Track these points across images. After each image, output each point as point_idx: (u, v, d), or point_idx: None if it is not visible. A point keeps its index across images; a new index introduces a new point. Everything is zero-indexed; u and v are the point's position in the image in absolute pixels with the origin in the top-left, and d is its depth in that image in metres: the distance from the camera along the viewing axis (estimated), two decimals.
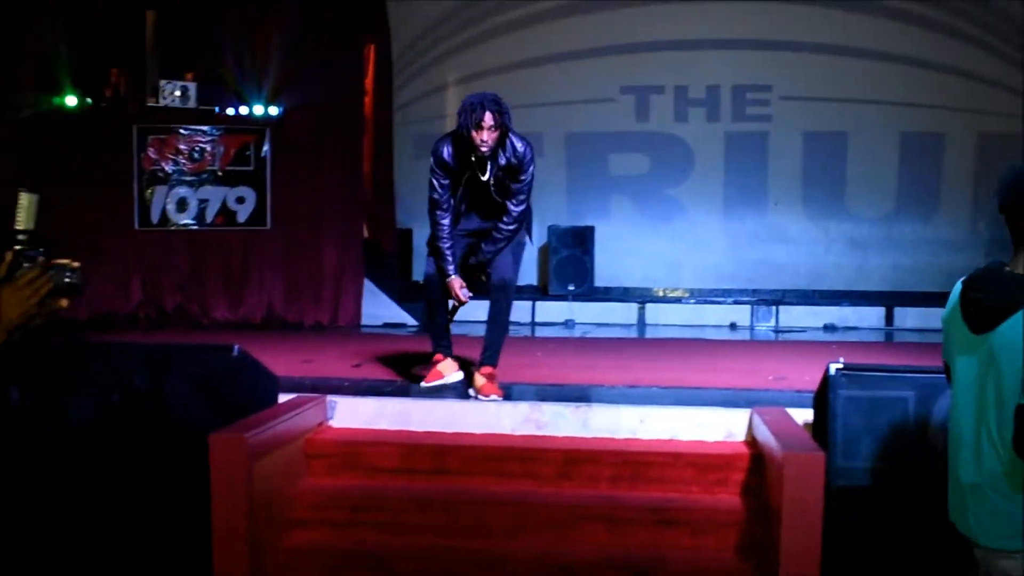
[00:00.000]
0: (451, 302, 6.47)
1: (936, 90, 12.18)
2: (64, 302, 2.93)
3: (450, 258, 6.32)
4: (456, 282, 6.33)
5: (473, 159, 6.08)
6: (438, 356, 6.58)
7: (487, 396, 6.02)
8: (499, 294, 6.31)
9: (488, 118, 5.88)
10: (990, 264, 3.16)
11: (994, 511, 3.09)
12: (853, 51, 12.21)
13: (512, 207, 6.24)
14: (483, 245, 6.37)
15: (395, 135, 12.02)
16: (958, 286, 3.26)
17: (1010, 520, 3.05)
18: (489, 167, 6.12)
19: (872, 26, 12.17)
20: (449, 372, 6.56)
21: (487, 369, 6.25)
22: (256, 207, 10.66)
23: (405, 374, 7.09)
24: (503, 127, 5.97)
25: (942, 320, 3.45)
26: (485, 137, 5.91)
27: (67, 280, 2.96)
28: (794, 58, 12.35)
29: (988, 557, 3.12)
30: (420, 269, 12.43)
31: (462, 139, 6.04)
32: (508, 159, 6.11)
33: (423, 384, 6.44)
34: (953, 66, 12.08)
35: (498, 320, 6.38)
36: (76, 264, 3.01)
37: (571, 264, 11.63)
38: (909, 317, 11.39)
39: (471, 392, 6.16)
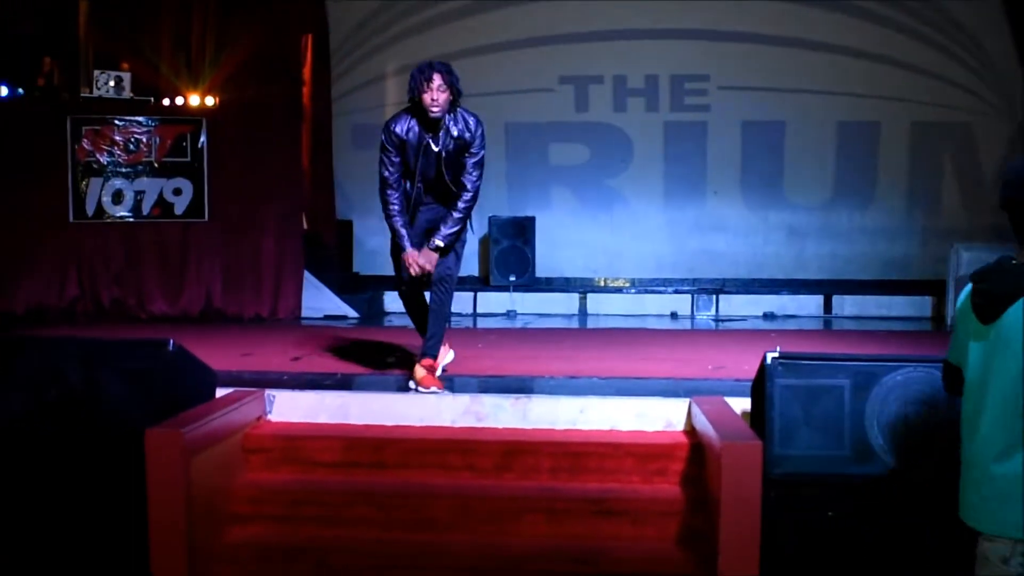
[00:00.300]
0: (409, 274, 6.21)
1: (872, 80, 12.33)
2: None
3: (404, 233, 6.21)
4: (411, 255, 6.16)
5: (424, 129, 6.06)
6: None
7: (427, 388, 5.98)
8: (440, 286, 6.25)
9: (437, 78, 5.90)
10: (1000, 258, 3.25)
11: (991, 495, 3.15)
12: (790, 41, 12.33)
13: (467, 182, 6.19)
14: (439, 227, 6.25)
15: (334, 126, 11.95)
16: (968, 284, 3.35)
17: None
18: (441, 137, 6.08)
19: (809, 16, 12.29)
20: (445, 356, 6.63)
21: (427, 361, 6.21)
22: (193, 199, 10.55)
23: (345, 367, 7.05)
24: (453, 90, 5.98)
25: (954, 318, 3.52)
26: (435, 96, 5.91)
27: None
28: (732, 48, 12.44)
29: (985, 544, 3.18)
30: (360, 260, 12.53)
31: (414, 110, 6.05)
32: (460, 132, 6.10)
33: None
34: (889, 56, 12.24)
35: (438, 312, 6.32)
36: None
37: (512, 255, 11.65)
38: (847, 304, 11.57)
39: (411, 384, 6.12)
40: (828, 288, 11.84)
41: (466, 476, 5.24)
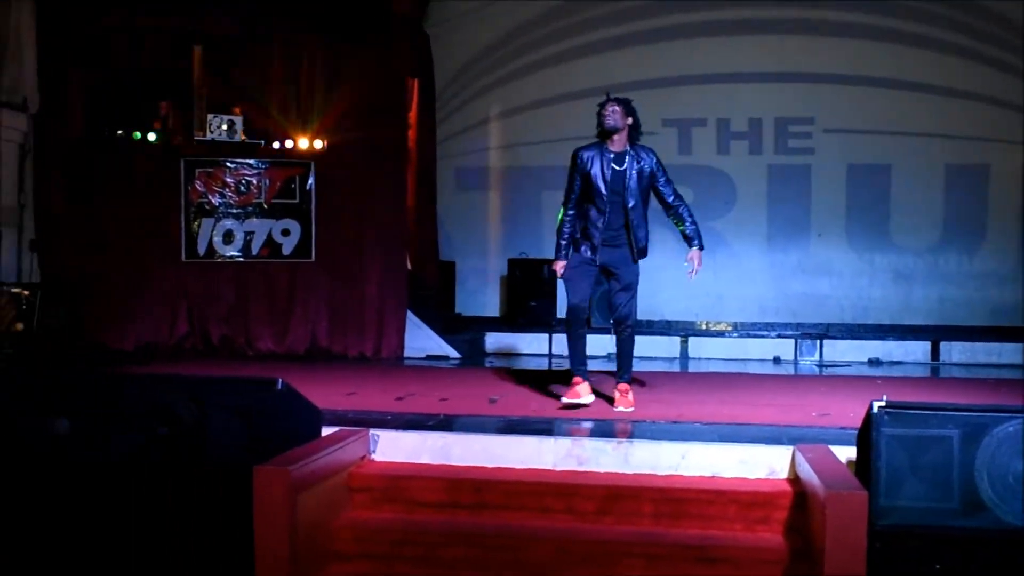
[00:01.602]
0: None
1: (980, 122, 12.15)
2: (19, 325, 3.11)
3: (564, 247, 7.01)
4: (559, 264, 7.00)
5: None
6: (577, 379, 6.98)
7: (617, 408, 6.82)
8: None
9: (609, 105, 6.73)
10: None
11: None
12: (895, 83, 12.23)
13: (672, 201, 7.27)
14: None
15: (438, 168, 12.10)
16: None
17: None
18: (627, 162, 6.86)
19: (914, 58, 12.18)
20: (586, 394, 6.96)
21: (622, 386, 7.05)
22: (301, 239, 10.76)
23: (447, 407, 7.11)
24: (630, 116, 6.79)
25: None
26: (608, 111, 6.72)
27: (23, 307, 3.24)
28: (836, 91, 12.38)
29: None
30: (462, 301, 12.65)
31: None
32: (640, 165, 6.91)
33: (564, 399, 6.94)
34: (996, 97, 12.07)
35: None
36: (26, 292, 3.25)
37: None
38: (955, 351, 11.29)
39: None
40: (935, 334, 11.60)
41: (566, 519, 5.25)
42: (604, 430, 6.22)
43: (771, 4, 12.36)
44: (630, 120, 6.82)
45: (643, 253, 7.20)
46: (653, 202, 7.17)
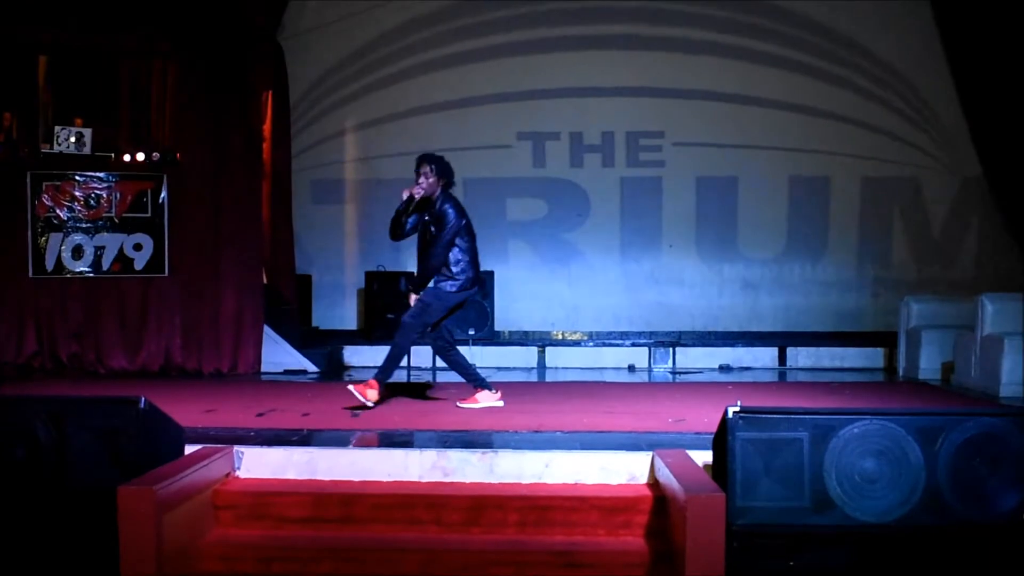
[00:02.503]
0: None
1: (822, 136, 12.64)
2: None
3: None
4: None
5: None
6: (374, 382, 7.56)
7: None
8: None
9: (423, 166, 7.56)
10: None
11: None
12: (742, 98, 12.63)
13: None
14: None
15: (293, 181, 12.02)
16: None
17: None
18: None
19: (759, 74, 12.60)
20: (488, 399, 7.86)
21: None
22: (154, 254, 10.56)
23: (309, 422, 7.09)
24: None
25: None
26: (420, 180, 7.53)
27: None
28: (685, 105, 12.72)
29: None
30: (320, 315, 12.58)
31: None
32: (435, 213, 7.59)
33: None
34: (838, 113, 12.58)
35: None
36: None
37: (471, 309, 11.70)
38: (801, 356, 11.73)
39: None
40: (782, 340, 12.03)
41: (434, 530, 5.31)
42: (468, 441, 6.29)
43: (623, 22, 12.62)
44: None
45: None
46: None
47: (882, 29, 12.59)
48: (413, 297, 7.75)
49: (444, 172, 7.61)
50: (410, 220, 7.66)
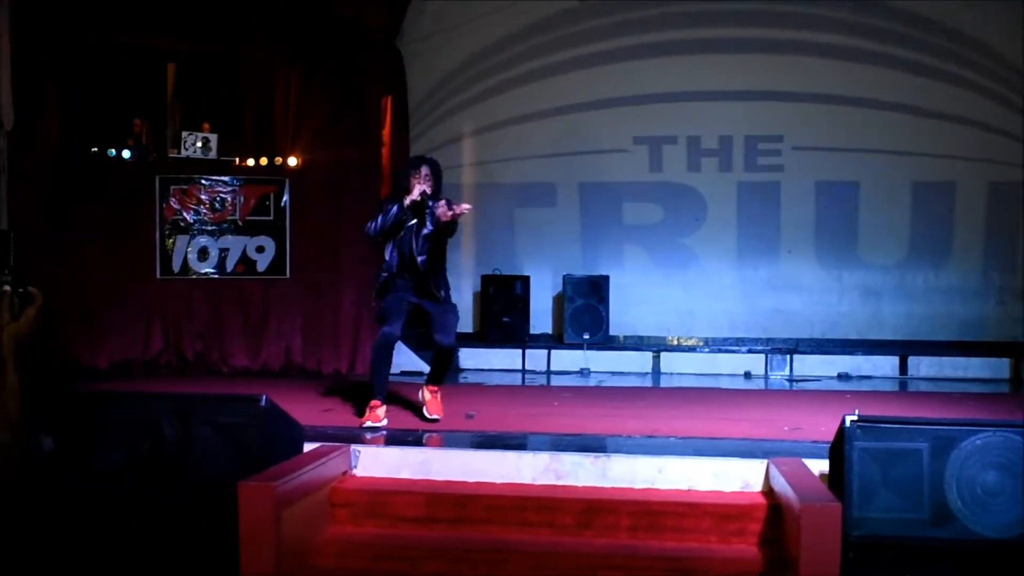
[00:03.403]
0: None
1: (946, 140, 12.31)
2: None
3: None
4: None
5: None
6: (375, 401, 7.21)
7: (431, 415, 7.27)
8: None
9: (424, 168, 7.23)
10: None
11: None
12: (863, 102, 12.37)
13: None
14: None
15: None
16: None
17: None
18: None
19: (881, 77, 12.33)
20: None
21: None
22: (275, 256, 10.81)
23: (425, 424, 7.18)
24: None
25: None
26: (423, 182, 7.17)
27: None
28: (805, 109, 12.51)
29: None
30: None
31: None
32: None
33: (368, 423, 7.08)
34: (963, 116, 12.23)
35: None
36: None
37: (586, 313, 11.76)
38: (923, 366, 11.46)
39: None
40: (903, 349, 11.75)
41: (546, 533, 5.35)
42: (581, 445, 6.31)
43: (740, 24, 12.47)
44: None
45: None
46: None
47: (1010, 30, 12.21)
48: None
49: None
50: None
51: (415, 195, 7.11)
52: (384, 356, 7.27)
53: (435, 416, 7.28)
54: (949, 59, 12.29)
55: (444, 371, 7.52)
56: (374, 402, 7.13)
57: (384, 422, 7.11)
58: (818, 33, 12.46)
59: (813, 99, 12.50)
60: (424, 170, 7.20)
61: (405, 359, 10.94)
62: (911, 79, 12.32)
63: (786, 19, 12.45)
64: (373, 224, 7.18)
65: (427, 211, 7.12)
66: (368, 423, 7.01)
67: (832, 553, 4.45)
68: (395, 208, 7.13)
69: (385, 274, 7.28)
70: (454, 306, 7.47)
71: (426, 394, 7.45)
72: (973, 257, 12.37)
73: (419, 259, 7.17)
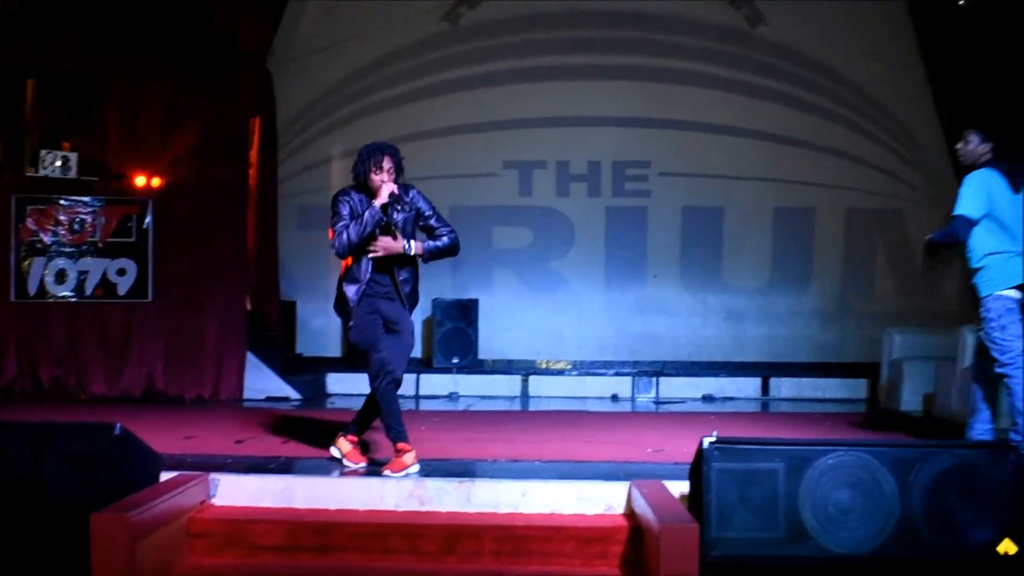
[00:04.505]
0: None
1: (807, 167, 12.69)
2: None
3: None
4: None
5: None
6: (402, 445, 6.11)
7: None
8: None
9: (387, 161, 6.23)
10: None
11: None
12: (728, 129, 12.67)
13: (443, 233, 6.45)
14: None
15: (280, 207, 12.02)
16: None
17: None
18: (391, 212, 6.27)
19: (746, 105, 12.66)
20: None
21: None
22: (137, 279, 10.55)
23: (288, 450, 7.08)
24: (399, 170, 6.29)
25: None
26: (386, 178, 6.20)
27: None
28: (672, 135, 12.77)
29: None
30: (304, 342, 12.55)
31: (362, 188, 6.30)
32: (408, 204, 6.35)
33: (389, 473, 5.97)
34: (823, 144, 12.61)
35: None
36: None
37: (455, 337, 11.76)
38: (784, 386, 11.75)
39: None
40: (766, 370, 12.03)
41: (409, 560, 5.30)
42: (446, 470, 6.28)
43: (609, 52, 12.66)
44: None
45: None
46: None
47: (872, 66, 12.66)
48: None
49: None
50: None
51: (383, 197, 6.13)
52: (393, 392, 6.19)
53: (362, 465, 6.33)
54: (813, 90, 12.70)
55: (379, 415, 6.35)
56: (402, 445, 6.06)
57: (416, 468, 6.03)
58: (685, 62, 12.73)
59: (680, 126, 12.76)
60: (387, 163, 6.21)
61: (271, 385, 10.81)
62: (774, 108, 12.67)
63: (653, 47, 12.70)
64: (341, 242, 6.11)
65: (393, 226, 6.22)
66: (396, 472, 5.94)
67: (691, 573, 4.51)
68: (367, 217, 6.09)
69: (358, 285, 6.21)
70: (412, 325, 6.50)
71: (344, 444, 6.48)
72: (832, 281, 12.76)
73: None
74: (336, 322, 12.56)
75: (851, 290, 12.73)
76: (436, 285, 12.12)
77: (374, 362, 6.15)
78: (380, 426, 6.36)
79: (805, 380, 11.80)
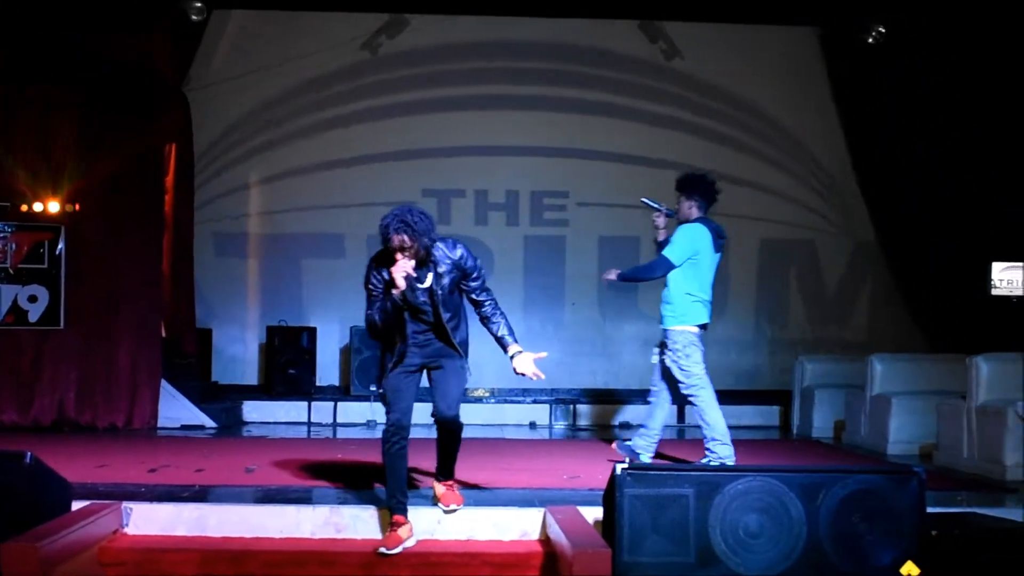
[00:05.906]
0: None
1: (722, 198, 12.85)
2: None
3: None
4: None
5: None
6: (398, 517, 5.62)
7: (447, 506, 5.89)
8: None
9: (395, 239, 5.54)
10: None
11: None
12: (645, 160, 12.86)
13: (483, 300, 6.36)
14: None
15: (196, 233, 11.93)
16: None
17: None
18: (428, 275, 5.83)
19: (663, 137, 12.88)
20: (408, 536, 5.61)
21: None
22: (49, 306, 10.40)
23: (202, 478, 7.02)
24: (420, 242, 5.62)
25: None
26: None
27: None
28: (590, 166, 12.93)
29: None
30: (220, 369, 12.45)
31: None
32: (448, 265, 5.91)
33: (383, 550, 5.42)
34: (737, 176, 12.82)
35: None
36: None
37: (373, 364, 11.68)
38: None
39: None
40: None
41: None
42: (362, 497, 6.29)
43: (526, 83, 12.80)
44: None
45: None
46: None
47: (785, 100, 12.99)
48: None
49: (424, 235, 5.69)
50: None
51: (399, 282, 5.55)
52: (401, 457, 5.85)
53: (453, 506, 5.90)
54: (728, 123, 12.97)
55: (453, 456, 6.19)
56: (397, 517, 5.58)
57: (413, 541, 5.58)
58: (603, 93, 12.92)
59: (598, 156, 12.93)
60: (396, 241, 5.53)
61: (186, 413, 10.70)
62: (691, 140, 12.90)
63: (572, 79, 12.86)
64: (374, 325, 5.79)
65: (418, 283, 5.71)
66: (389, 549, 5.40)
67: None
68: (387, 303, 5.67)
69: (397, 346, 5.89)
70: (465, 362, 6.28)
71: (439, 488, 6.11)
72: (747, 310, 12.99)
73: (441, 310, 5.95)
74: (253, 350, 12.55)
75: (765, 319, 12.99)
76: (355, 312, 12.04)
77: (387, 422, 6.04)
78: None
79: (721, 407, 11.93)
